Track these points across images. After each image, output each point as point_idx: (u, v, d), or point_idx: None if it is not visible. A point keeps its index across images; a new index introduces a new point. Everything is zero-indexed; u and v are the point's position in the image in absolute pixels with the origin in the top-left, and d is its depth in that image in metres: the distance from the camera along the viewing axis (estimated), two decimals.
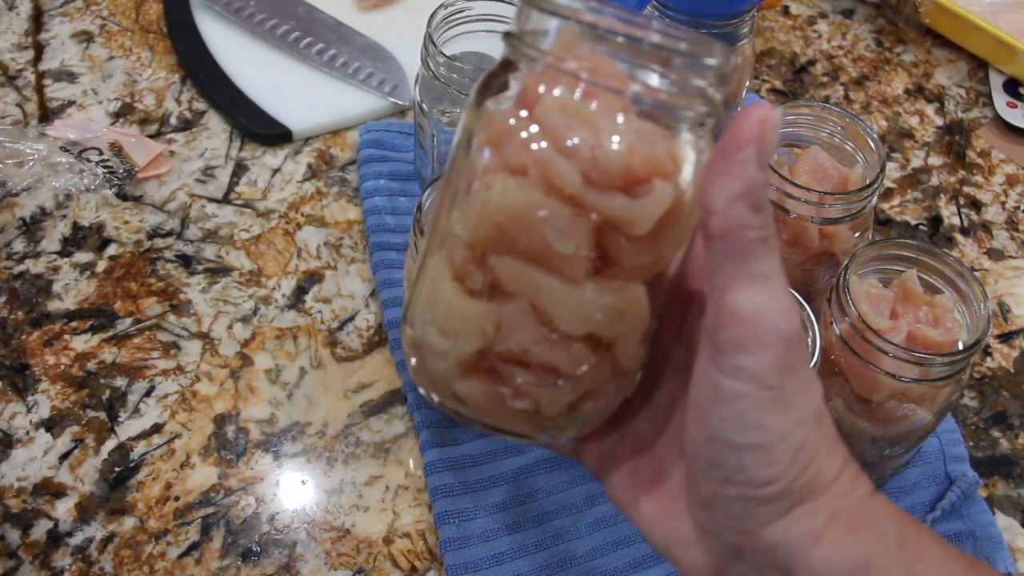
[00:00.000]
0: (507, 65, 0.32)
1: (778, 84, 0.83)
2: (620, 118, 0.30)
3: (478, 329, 0.31)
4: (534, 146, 0.30)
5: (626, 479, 0.35)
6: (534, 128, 0.30)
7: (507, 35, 0.32)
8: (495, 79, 0.32)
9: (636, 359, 0.33)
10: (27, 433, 0.58)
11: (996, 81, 0.84)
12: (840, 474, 0.31)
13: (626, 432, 0.36)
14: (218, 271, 0.67)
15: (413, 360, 0.34)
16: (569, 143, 0.29)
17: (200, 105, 0.76)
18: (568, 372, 0.31)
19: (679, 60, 0.30)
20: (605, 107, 0.30)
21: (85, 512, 0.55)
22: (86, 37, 0.80)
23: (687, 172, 0.31)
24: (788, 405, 0.30)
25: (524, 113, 0.30)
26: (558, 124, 0.30)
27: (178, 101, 0.77)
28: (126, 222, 0.69)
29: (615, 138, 0.30)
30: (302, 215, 0.70)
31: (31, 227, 0.68)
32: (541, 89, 0.30)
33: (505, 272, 0.30)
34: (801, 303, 0.52)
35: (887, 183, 0.77)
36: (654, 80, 0.30)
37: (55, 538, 0.54)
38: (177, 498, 0.56)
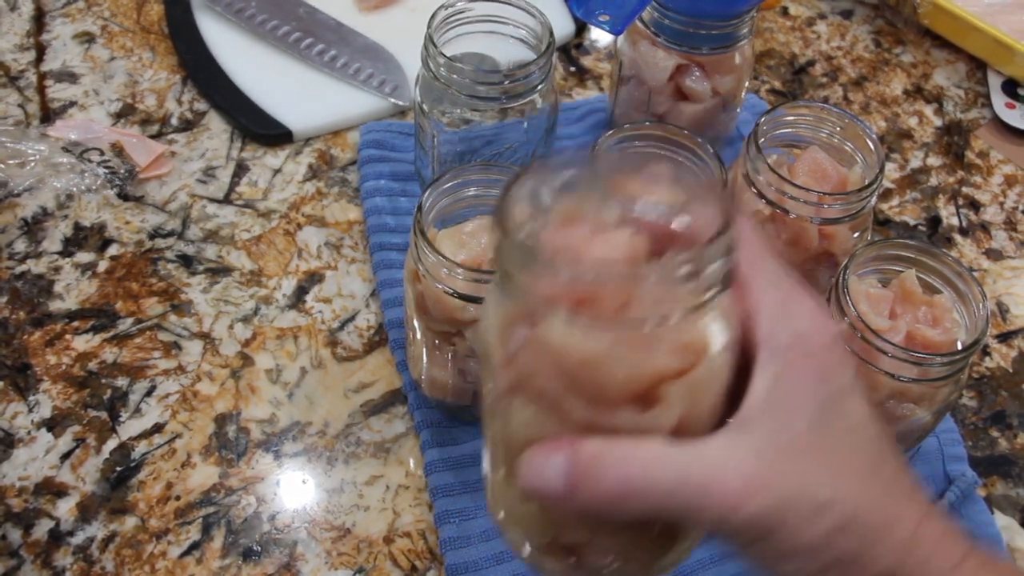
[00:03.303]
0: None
1: (777, 85, 0.84)
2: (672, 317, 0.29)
3: None
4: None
5: None
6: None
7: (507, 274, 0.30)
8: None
9: None
10: (28, 433, 0.58)
11: (995, 82, 0.84)
12: (966, 553, 0.32)
13: None
14: (219, 271, 0.67)
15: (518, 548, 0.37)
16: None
17: (201, 106, 0.76)
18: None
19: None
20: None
21: (86, 512, 0.56)
22: (87, 38, 0.81)
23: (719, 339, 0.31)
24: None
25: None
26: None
27: (179, 102, 0.77)
28: (127, 222, 0.69)
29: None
30: (303, 215, 0.70)
31: (32, 227, 0.68)
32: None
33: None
34: None
35: (886, 183, 0.77)
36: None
37: (56, 537, 0.55)
38: (178, 497, 0.56)
